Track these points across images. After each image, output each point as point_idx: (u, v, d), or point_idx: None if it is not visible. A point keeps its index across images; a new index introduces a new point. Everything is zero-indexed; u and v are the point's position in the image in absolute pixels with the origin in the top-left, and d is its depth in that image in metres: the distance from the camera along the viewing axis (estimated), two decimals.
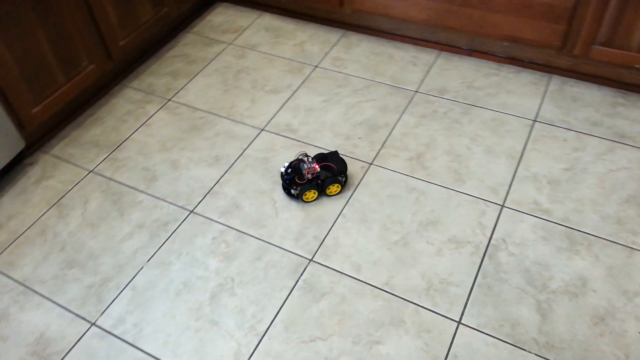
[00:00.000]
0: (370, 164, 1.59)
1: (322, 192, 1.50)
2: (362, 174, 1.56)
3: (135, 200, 1.55)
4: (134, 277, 1.36)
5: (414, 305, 1.25)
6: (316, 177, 1.46)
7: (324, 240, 1.41)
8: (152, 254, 1.41)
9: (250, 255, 1.39)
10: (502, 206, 1.44)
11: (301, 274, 1.33)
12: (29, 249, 1.44)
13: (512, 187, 1.48)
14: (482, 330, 1.19)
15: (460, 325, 1.21)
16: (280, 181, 1.55)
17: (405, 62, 1.94)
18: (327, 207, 1.48)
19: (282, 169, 1.50)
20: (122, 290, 1.33)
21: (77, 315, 1.29)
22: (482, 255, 1.33)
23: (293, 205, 1.50)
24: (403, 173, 1.55)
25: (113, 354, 1.21)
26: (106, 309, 1.30)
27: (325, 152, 1.55)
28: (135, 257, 1.40)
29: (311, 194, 1.48)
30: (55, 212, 1.54)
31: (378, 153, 1.62)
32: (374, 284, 1.30)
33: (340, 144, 1.66)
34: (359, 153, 1.62)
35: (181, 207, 1.52)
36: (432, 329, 1.20)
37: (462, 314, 1.23)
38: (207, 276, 1.35)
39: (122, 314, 1.28)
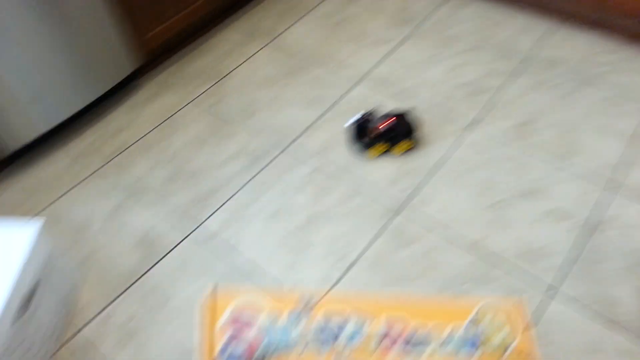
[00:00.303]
0: (470, 125, 1.58)
1: (391, 148, 1.49)
2: (463, 135, 1.56)
3: (235, 130, 1.61)
4: (232, 196, 1.44)
5: (504, 268, 1.26)
6: (389, 130, 1.46)
7: (418, 191, 1.42)
8: (249, 179, 1.48)
9: (342, 194, 1.43)
10: (611, 187, 1.40)
11: (392, 219, 1.36)
12: (138, 158, 1.55)
13: (623, 169, 1.43)
14: (575, 305, 1.18)
15: (552, 296, 1.20)
16: (349, 133, 1.54)
17: (516, 29, 1.89)
18: (423, 160, 1.50)
19: (352, 120, 1.49)
20: (221, 206, 1.41)
21: (179, 222, 1.38)
22: (582, 232, 1.31)
23: (388, 155, 1.52)
24: (505, 139, 1.53)
25: (209, 261, 1.30)
26: (205, 220, 1.38)
27: (403, 111, 1.52)
28: (234, 179, 1.48)
29: (380, 148, 1.48)
30: (161, 131, 1.63)
31: (480, 116, 1.60)
32: (465, 241, 1.31)
33: (439, 101, 1.65)
34: (459, 113, 1.61)
35: (277, 141, 1.57)
36: (520, 294, 1.21)
37: (555, 286, 1.22)
38: (301, 205, 1.40)
39: (220, 227, 1.37)
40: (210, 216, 1.39)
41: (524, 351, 0.41)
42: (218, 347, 0.36)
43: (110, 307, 1.22)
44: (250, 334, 0.35)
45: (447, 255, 1.28)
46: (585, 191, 1.39)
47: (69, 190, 1.46)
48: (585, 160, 1.46)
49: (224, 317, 0.38)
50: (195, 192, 1.45)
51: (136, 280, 1.27)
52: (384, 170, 1.48)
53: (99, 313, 1.21)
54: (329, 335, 0.37)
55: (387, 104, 1.66)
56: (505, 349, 0.40)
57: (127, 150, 1.57)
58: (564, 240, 1.29)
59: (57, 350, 1.14)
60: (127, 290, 1.25)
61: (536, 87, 1.67)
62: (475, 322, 0.41)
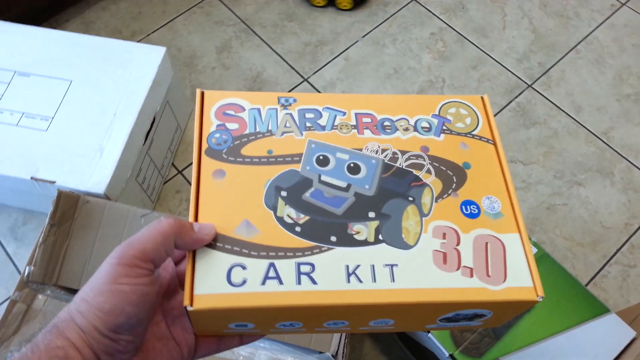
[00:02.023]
0: (623, 4, 1.39)
1: None
2: (610, 13, 1.38)
3: None
4: (347, 48, 1.36)
5: (628, 162, 1.18)
6: None
7: (549, 69, 1.31)
8: (368, 31, 1.38)
9: (466, 62, 1.33)
10: None
11: (516, 96, 1.28)
12: None
13: None
14: None
15: None
16: None
17: None
18: (561, 37, 1.35)
19: None
20: (335, 57, 1.34)
21: (292, 67, 1.33)
22: None
23: (524, 23, 1.37)
24: None
25: None
26: (319, 69, 1.33)
27: None
28: (351, 30, 1.38)
29: None
30: None
31: None
32: (592, 130, 1.23)
33: None
34: None
35: None
36: (639, 190, 1.15)
37: None
38: (419, 69, 1.32)
39: (332, 79, 1.31)
40: (321, 68, 1.33)
41: (487, 136, 0.44)
42: (207, 133, 0.41)
43: None
44: (235, 124, 0.42)
45: (570, 143, 1.21)
46: None
47: (175, 18, 1.40)
48: None
49: (212, 112, 0.42)
50: (308, 39, 1.37)
51: None
52: (520, 40, 1.35)
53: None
54: (305, 124, 0.42)
55: None
56: (468, 133, 0.43)
57: None
58: None
59: (164, 183, 1.18)
60: None
61: None
62: (439, 113, 0.44)
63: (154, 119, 1.04)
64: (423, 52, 1.34)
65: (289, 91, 1.29)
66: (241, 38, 1.37)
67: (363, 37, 1.37)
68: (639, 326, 0.80)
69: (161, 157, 1.12)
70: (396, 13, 1.41)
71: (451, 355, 0.75)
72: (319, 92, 1.29)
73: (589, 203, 1.14)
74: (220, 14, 1.40)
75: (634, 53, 1.32)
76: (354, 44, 1.36)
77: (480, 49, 1.34)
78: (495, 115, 1.25)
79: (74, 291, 0.81)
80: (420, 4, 1.42)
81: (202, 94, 0.43)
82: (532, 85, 1.29)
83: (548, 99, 1.27)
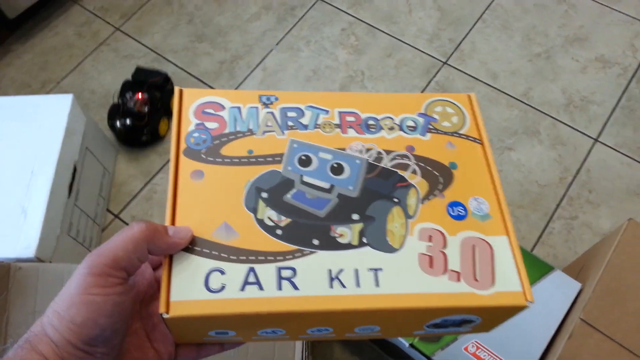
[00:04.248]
0: None
1: None
2: None
3: None
4: (263, 59, 1.35)
5: (551, 118, 1.23)
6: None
7: (460, 43, 1.34)
8: (280, 38, 1.38)
9: (380, 51, 1.34)
10: None
11: (434, 76, 1.30)
12: (157, 17, 1.42)
13: None
14: (619, 150, 1.18)
15: (597, 142, 1.19)
16: None
17: None
18: (466, 10, 1.39)
19: None
20: (253, 70, 1.34)
21: (212, 87, 1.31)
22: (629, 78, 1.26)
23: (428, 3, 1.40)
24: None
25: None
26: (239, 85, 1.31)
27: None
28: (263, 39, 1.38)
29: None
30: None
31: None
32: (510, 93, 1.26)
33: None
34: None
35: None
36: (567, 143, 1.20)
37: (600, 132, 1.20)
38: (336, 66, 1.33)
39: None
40: (241, 83, 1.32)
41: (474, 135, 0.43)
42: (185, 133, 0.39)
43: (149, 186, 1.21)
44: (215, 123, 0.40)
45: (493, 110, 1.24)
46: (633, 35, 1.31)
47: (83, 60, 1.36)
48: (637, 2, 1.35)
49: (190, 111, 0.41)
50: (222, 56, 1.36)
51: None
52: (427, 20, 1.38)
53: (139, 192, 1.20)
54: (287, 123, 0.41)
55: None
56: (455, 133, 0.43)
57: (143, 8, 1.44)
58: (609, 88, 1.25)
59: (102, 231, 1.14)
60: (166, 165, 1.23)
61: None
62: (425, 112, 0.43)
63: (75, 169, 1.00)
64: (337, 49, 1.35)
65: None
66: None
67: (277, 44, 1.37)
68: (585, 277, 0.83)
69: (92, 205, 1.09)
70: (304, 15, 1.41)
71: (411, 345, 0.76)
72: None
73: (522, 165, 1.18)
74: (128, 47, 1.36)
75: (536, 12, 1.37)
76: (269, 53, 1.36)
77: (392, 36, 1.36)
78: None
79: None
80: (326, 2, 1.43)
81: (181, 92, 0.42)
82: (447, 62, 1.32)
83: (464, 72, 1.30)
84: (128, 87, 1.19)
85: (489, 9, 1.38)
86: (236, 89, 1.30)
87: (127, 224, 1.13)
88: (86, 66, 1.34)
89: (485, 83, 1.28)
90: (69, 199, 0.98)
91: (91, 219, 1.08)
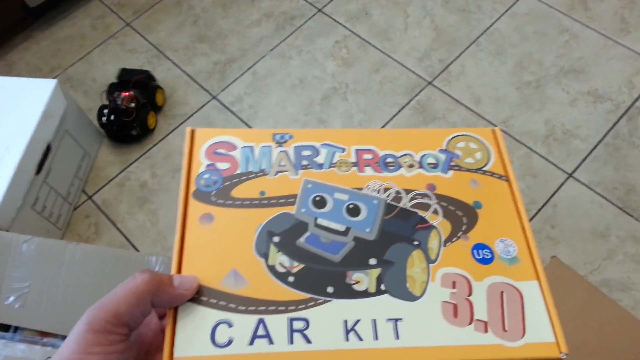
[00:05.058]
0: None
1: None
2: (512, 2, 1.39)
3: None
4: (255, 63, 1.40)
5: (526, 148, 1.19)
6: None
7: (449, 65, 1.33)
8: (275, 45, 1.42)
9: (369, 66, 1.35)
10: None
11: (416, 95, 1.29)
12: (165, 16, 1.51)
13: None
14: (593, 188, 1.12)
15: (571, 178, 1.14)
16: None
17: None
18: (462, 32, 1.37)
19: None
20: (243, 73, 1.38)
21: (202, 86, 1.38)
22: (620, 115, 1.20)
23: (426, 22, 1.40)
24: (559, 9, 1.36)
25: (228, 126, 1.30)
26: (227, 86, 1.37)
27: None
28: (259, 45, 1.43)
29: None
30: None
31: None
32: (490, 119, 1.23)
33: None
34: None
35: (310, 3, 1.48)
36: (538, 175, 1.15)
37: (577, 168, 1.15)
38: (323, 77, 1.35)
39: (240, 94, 1.35)
40: (229, 85, 1.37)
41: (499, 172, 0.40)
42: (196, 174, 0.38)
43: (124, 173, 1.28)
44: (226, 164, 0.39)
45: None
46: (633, 72, 1.24)
47: (91, 50, 1.47)
48: None
49: (202, 151, 0.40)
50: (217, 57, 1.42)
51: (153, 146, 1.31)
52: (421, 39, 1.37)
53: (114, 178, 1.27)
54: (301, 162, 0.40)
55: None
56: (479, 169, 0.40)
57: (154, 7, 1.53)
58: (596, 124, 1.19)
59: (74, 210, 1.22)
60: (144, 155, 1.30)
61: None
62: (447, 148, 0.41)
63: (49, 149, 1.09)
64: (327, 61, 1.37)
65: (199, 109, 1.34)
66: (153, 63, 1.42)
67: (270, 51, 1.41)
68: None
69: (65, 185, 1.17)
70: (302, 25, 1.44)
71: None
72: (227, 108, 1.33)
73: None
74: (133, 42, 1.45)
75: (535, 40, 1.33)
76: (261, 58, 1.40)
77: (383, 52, 1.37)
78: (395, 115, 1.27)
79: None
80: (325, 14, 1.46)
81: (192, 132, 0.41)
82: (433, 82, 1.30)
83: (447, 94, 1.28)
84: (115, 87, 1.27)
85: (486, 33, 1.36)
86: (224, 90, 1.36)
87: (98, 206, 1.20)
88: (93, 56, 1.44)
89: (466, 106, 1.26)
90: (37, 175, 1.06)
91: (62, 197, 1.16)
